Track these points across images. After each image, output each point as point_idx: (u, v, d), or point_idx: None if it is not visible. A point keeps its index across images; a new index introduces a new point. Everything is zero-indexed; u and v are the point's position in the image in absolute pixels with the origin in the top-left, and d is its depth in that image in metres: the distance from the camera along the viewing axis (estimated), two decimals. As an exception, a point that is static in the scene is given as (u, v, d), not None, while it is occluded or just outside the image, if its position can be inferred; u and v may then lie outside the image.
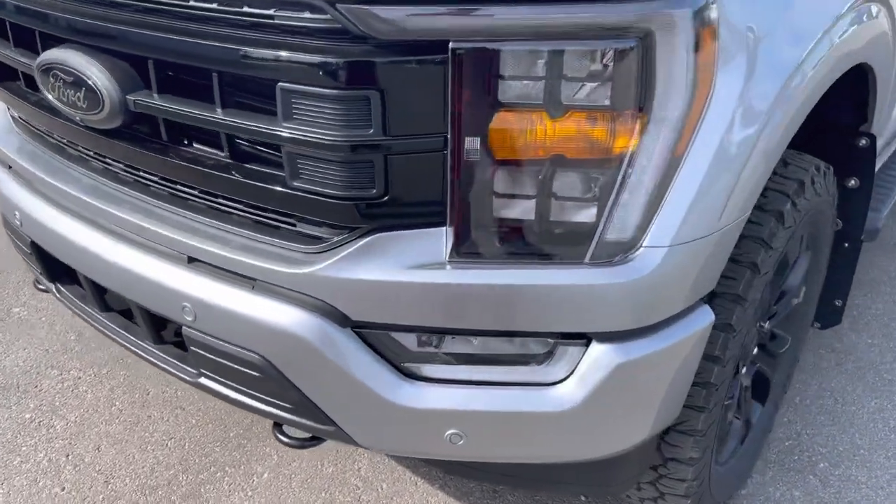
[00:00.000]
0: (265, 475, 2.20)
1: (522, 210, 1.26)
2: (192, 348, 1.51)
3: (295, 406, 1.44)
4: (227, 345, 1.44)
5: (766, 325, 1.98)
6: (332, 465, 2.23)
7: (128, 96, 1.42)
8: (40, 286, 2.07)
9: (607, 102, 1.19)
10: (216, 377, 1.53)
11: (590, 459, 1.44)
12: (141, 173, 1.57)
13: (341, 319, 1.33)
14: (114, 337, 1.76)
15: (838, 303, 2.38)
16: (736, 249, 1.57)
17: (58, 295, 1.92)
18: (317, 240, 1.35)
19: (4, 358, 2.70)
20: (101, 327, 1.79)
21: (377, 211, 1.27)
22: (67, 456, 2.27)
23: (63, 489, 2.16)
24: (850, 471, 2.20)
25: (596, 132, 1.22)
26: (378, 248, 1.30)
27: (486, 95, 1.18)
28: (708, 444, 1.63)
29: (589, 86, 1.19)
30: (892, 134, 2.45)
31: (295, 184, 1.29)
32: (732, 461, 2.01)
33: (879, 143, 2.28)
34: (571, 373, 1.34)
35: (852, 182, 2.17)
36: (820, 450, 2.28)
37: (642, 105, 1.20)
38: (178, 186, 1.51)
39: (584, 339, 1.32)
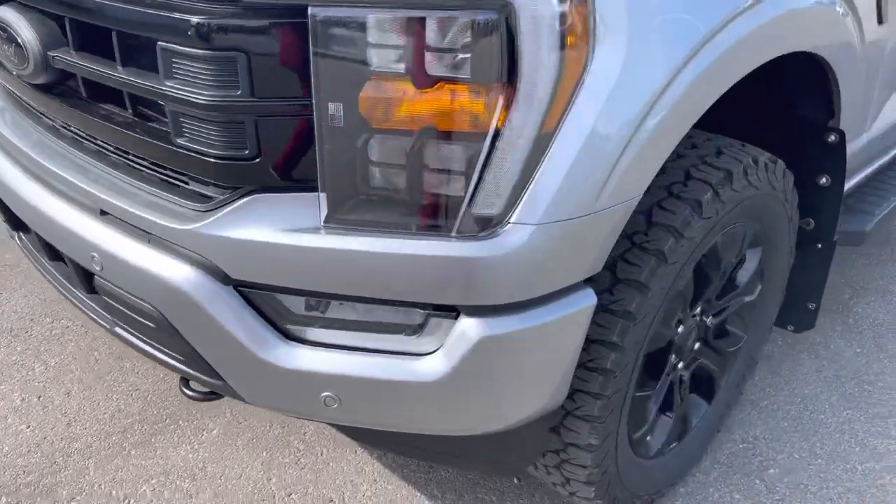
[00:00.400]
0: (215, 431, 2.28)
1: (390, 179, 1.27)
2: (103, 297, 1.58)
3: (187, 359, 1.49)
4: (128, 295, 1.50)
5: (709, 319, 1.93)
6: (280, 428, 2.29)
7: (49, 52, 1.50)
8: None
9: (470, 75, 1.19)
10: (125, 326, 1.60)
11: (464, 434, 1.45)
12: (73, 129, 1.65)
13: (223, 277, 1.37)
14: (57, 285, 1.86)
15: (811, 306, 2.29)
16: (643, 236, 1.54)
17: (19, 243, 2.03)
18: (207, 199, 1.40)
19: (5, 304, 2.87)
20: (48, 276, 1.89)
21: (251, 172, 1.30)
22: (39, 397, 2.41)
23: (28, 427, 2.29)
24: (802, 479, 2.12)
25: (460, 105, 1.21)
26: (256, 209, 1.33)
27: (347, 62, 1.19)
28: (608, 432, 1.60)
29: (451, 57, 1.18)
30: (883, 133, 2.32)
31: (179, 141, 1.33)
32: (666, 456, 1.97)
33: (861, 141, 2.18)
34: (441, 345, 1.34)
35: (824, 180, 2.09)
36: (775, 455, 2.21)
37: (506, 79, 1.18)
38: (100, 142, 1.58)
39: (455, 312, 1.33)
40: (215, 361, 1.46)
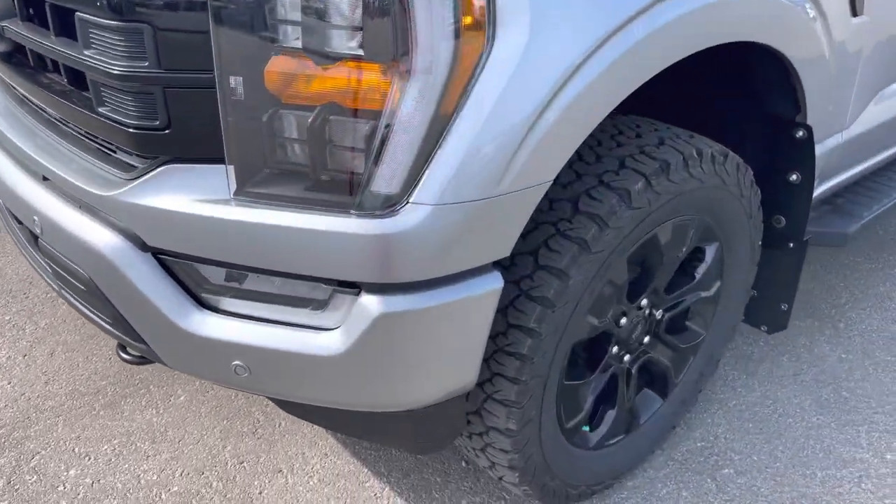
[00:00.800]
0: (182, 398, 2.35)
1: (293, 154, 1.29)
2: (46, 259, 1.65)
3: (115, 322, 1.55)
4: (64, 259, 1.56)
5: (659, 313, 1.91)
6: (244, 398, 2.35)
7: (0, 23, 1.56)
8: None
9: (366, 52, 1.20)
10: (65, 288, 1.66)
11: (369, 411, 1.47)
12: (29, 98, 1.72)
13: (141, 244, 1.42)
14: (21, 249, 1.94)
15: (784, 307, 2.24)
16: (568, 223, 1.53)
17: (-5, 207, 2.12)
18: (132, 168, 1.44)
19: (8, 266, 3.00)
20: (16, 240, 1.97)
21: (164, 142, 1.34)
22: (24, 356, 2.52)
23: (9, 383, 2.40)
24: (756, 482, 2.08)
25: (357, 82, 1.22)
26: (170, 178, 1.37)
27: (247, 37, 1.21)
28: (528, 418, 1.60)
29: (348, 34, 1.20)
30: (868, 131, 2.24)
31: (100, 111, 1.38)
32: (610, 449, 1.95)
33: (838, 139, 2.11)
34: (344, 321, 1.36)
35: (794, 177, 2.03)
36: (732, 456, 2.17)
37: (402, 58, 1.19)
38: (48, 111, 1.64)
39: (357, 289, 1.34)
40: (138, 326, 1.51)
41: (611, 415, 1.92)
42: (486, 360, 1.56)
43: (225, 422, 2.26)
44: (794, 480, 2.09)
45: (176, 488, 2.04)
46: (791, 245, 2.15)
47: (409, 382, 1.42)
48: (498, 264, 1.41)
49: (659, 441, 2.11)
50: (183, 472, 2.10)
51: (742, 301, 2.12)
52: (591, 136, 1.68)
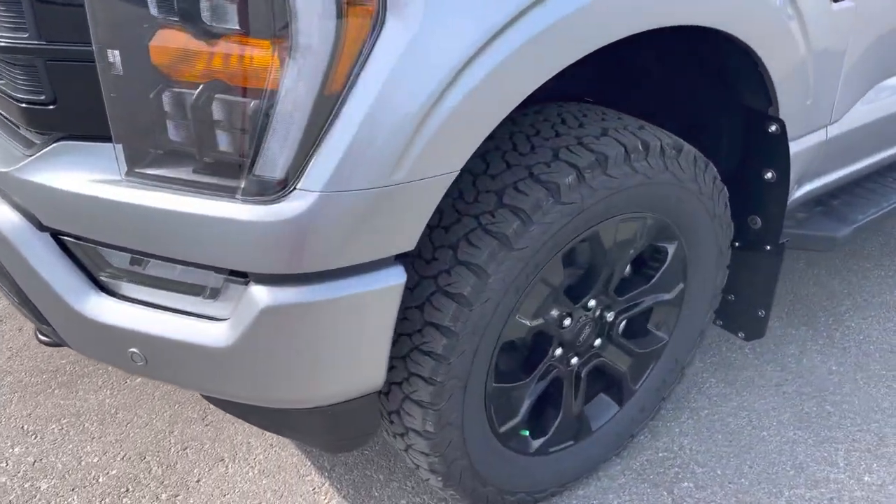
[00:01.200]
0: (137, 380, 2.33)
1: (178, 135, 1.22)
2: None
3: (21, 303, 1.51)
4: (-25, 235, 1.53)
5: (610, 315, 1.79)
6: (199, 383, 2.31)
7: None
8: None
9: (244, 29, 1.12)
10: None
11: (264, 405, 1.40)
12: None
13: (38, 223, 1.37)
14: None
15: (761, 313, 2.10)
16: (489, 217, 1.44)
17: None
18: (32, 144, 1.39)
19: None
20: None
21: (52, 118, 1.29)
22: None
23: (-27, 358, 2.41)
24: (716, 498, 1.96)
25: (239, 59, 1.15)
26: (63, 156, 1.32)
27: (123, 7, 1.15)
28: (446, 421, 1.52)
29: (227, 10, 1.12)
30: (861, 127, 2.07)
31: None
32: (556, 455, 1.85)
33: (820, 135, 1.96)
34: (234, 312, 1.29)
35: (769, 175, 1.90)
36: (695, 469, 2.05)
37: (281, 33, 1.11)
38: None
39: (247, 278, 1.28)
40: (42, 307, 1.46)
41: (555, 420, 1.82)
42: (403, 359, 1.48)
43: (176, 406, 2.23)
44: (758, 499, 1.96)
45: (115, 472, 2.01)
46: (768, 248, 2.01)
47: (302, 379, 1.34)
48: (404, 258, 1.32)
49: (615, 449, 2.00)
50: (125, 455, 2.07)
51: (709, 306, 1.99)
52: (530, 124, 1.59)
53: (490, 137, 1.58)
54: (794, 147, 1.86)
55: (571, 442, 1.89)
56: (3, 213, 1.40)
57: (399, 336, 1.49)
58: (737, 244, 2.08)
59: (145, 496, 1.95)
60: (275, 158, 1.18)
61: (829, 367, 2.43)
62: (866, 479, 2.02)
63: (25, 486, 1.96)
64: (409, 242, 1.30)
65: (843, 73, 1.87)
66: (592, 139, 1.52)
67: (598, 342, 1.83)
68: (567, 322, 1.70)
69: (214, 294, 1.32)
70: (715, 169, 1.75)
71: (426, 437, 1.54)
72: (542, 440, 1.81)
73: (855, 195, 2.36)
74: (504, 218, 1.42)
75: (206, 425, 2.16)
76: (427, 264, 1.47)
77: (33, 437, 2.12)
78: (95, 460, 2.05)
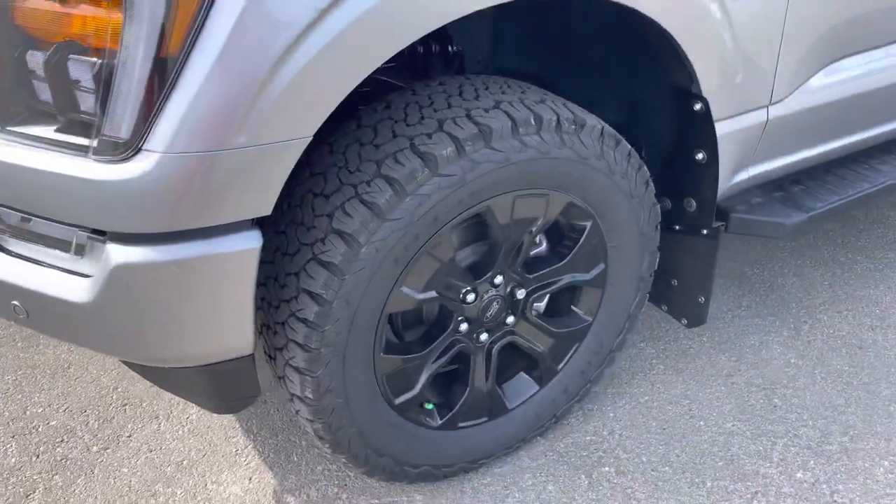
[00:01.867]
0: (95, 337, 2.41)
1: (40, 93, 1.27)
2: None
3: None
4: None
5: (520, 293, 1.77)
6: (152, 344, 2.38)
7: None
8: None
9: (81, -11, 1.15)
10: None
11: (134, 361, 1.44)
12: None
13: (-67, 179, 1.44)
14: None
15: (701, 299, 2.04)
16: (366, 187, 1.44)
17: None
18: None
19: None
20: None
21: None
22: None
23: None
24: (634, 484, 1.92)
25: (84, 18, 1.19)
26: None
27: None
28: (325, 388, 1.53)
29: (65, -33, 1.15)
30: (816, 108, 1.97)
31: None
32: (466, 431, 1.84)
33: (760, 115, 1.89)
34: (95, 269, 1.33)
35: (700, 155, 1.84)
36: (620, 454, 2.01)
37: (116, -5, 1.13)
38: None
39: (105, 236, 1.31)
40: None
41: (462, 396, 1.81)
42: (283, 325, 1.50)
43: (125, 364, 2.30)
44: (678, 487, 1.91)
45: (55, 423, 2.11)
46: (705, 232, 1.95)
47: (163, 337, 1.38)
48: (262, 222, 1.34)
49: (535, 429, 1.98)
50: (68, 408, 2.16)
51: (636, 290, 1.93)
52: (427, 95, 1.57)
53: (386, 107, 1.58)
54: (726, 127, 1.79)
55: (485, 419, 1.88)
56: None
57: (280, 303, 1.51)
58: (677, 227, 2.02)
59: (77, 447, 2.03)
60: (120, 119, 1.21)
61: (788, 360, 2.35)
62: (798, 475, 1.95)
63: (-29, 431, 2.07)
64: (263, 207, 1.31)
65: (781, 50, 1.78)
66: (481, 112, 1.50)
67: (510, 320, 1.80)
68: (471, 298, 1.69)
69: (80, 251, 1.36)
70: (628, 147, 1.70)
71: (307, 404, 1.56)
72: (447, 415, 1.81)
73: (822, 182, 2.26)
74: (378, 188, 1.42)
75: (150, 385, 2.23)
76: (307, 232, 1.48)
77: (-12, 386, 2.24)
78: (39, 411, 2.15)
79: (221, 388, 1.53)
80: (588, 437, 2.07)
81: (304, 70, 1.21)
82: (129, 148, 1.22)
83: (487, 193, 1.53)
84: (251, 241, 1.33)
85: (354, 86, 1.27)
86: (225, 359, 1.44)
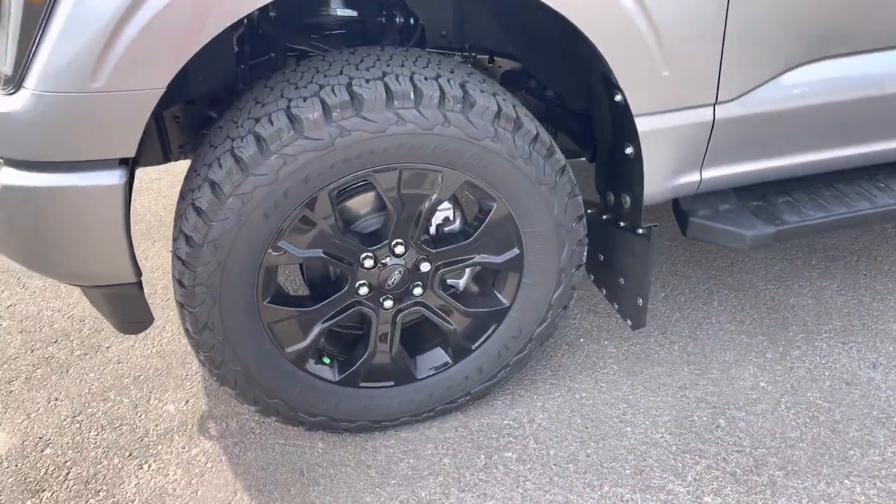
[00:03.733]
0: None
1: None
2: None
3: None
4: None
5: (426, 266, 1.80)
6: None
7: None
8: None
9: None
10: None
11: (36, 272, 1.65)
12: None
13: None
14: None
15: (639, 301, 1.98)
16: (239, 142, 1.55)
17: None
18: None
19: None
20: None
21: None
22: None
23: None
24: (531, 474, 1.90)
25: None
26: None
27: None
28: (203, 323, 1.66)
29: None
30: (783, 112, 1.80)
31: None
32: (367, 391, 1.92)
33: (706, 113, 1.78)
34: None
35: (629, 150, 1.78)
36: (530, 443, 1.99)
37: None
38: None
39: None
40: None
41: (362, 356, 1.88)
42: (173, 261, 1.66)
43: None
44: (572, 486, 1.88)
45: (57, 326, 2.43)
46: (640, 231, 1.87)
47: (51, 257, 1.57)
48: (130, 162, 1.49)
49: (445, 402, 2.00)
50: (72, 315, 2.48)
51: (557, 281, 1.89)
52: (327, 61, 1.65)
53: (294, 70, 1.67)
54: (652, 123, 1.70)
55: (391, 383, 1.94)
56: None
57: (173, 241, 1.67)
58: (621, 224, 1.96)
59: (65, 349, 2.33)
60: (9, 57, 1.40)
61: (757, 383, 2.19)
62: (706, 499, 1.84)
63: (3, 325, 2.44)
64: (126, 149, 1.46)
65: (724, 45, 1.65)
66: (362, 82, 1.55)
67: (418, 291, 1.85)
68: (369, 263, 1.75)
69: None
70: (534, 132, 1.67)
71: (189, 336, 1.71)
72: (345, 372, 1.89)
73: (815, 196, 2.07)
74: (247, 144, 1.52)
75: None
76: (193, 178, 1.62)
77: (21, 289, 2.60)
78: (49, 314, 2.48)
79: (116, 309, 1.71)
80: (506, 422, 2.07)
81: (145, 30, 1.33)
82: (12, 83, 1.41)
83: (366, 163, 1.58)
84: (114, 179, 1.48)
85: (196, 50, 1.38)
86: (109, 283, 1.62)
